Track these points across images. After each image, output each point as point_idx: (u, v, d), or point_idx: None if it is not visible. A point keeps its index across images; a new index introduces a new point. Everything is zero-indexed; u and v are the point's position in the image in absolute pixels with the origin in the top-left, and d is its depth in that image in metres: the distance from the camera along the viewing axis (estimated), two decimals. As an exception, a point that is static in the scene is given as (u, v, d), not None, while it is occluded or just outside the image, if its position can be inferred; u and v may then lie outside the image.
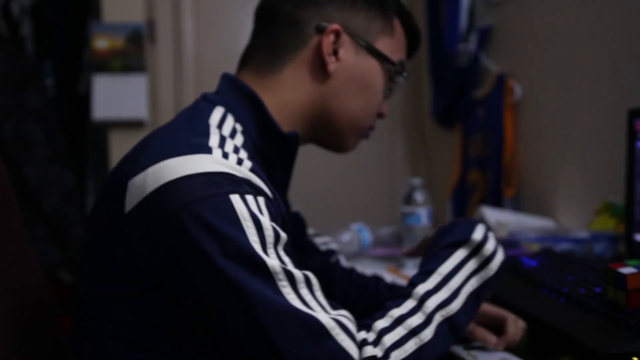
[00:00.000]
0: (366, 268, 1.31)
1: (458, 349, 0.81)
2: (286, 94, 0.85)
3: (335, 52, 0.85)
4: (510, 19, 1.88)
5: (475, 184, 2.02)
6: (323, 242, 1.14)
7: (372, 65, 0.88)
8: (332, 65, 0.85)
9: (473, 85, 2.05)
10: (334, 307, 0.70)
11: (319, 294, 0.70)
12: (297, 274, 0.68)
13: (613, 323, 0.78)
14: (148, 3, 2.33)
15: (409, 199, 1.29)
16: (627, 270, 0.80)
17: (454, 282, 0.74)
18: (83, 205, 2.25)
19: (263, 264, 0.66)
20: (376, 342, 0.69)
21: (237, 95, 0.82)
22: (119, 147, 2.23)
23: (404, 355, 0.69)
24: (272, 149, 0.82)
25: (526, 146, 1.81)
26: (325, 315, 0.67)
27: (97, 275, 0.75)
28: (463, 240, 0.77)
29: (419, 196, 1.29)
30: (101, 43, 2.23)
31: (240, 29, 2.58)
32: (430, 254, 0.78)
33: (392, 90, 0.93)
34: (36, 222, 2.09)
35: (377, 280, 1.09)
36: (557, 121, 1.66)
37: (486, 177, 1.94)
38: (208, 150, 0.71)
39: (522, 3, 1.81)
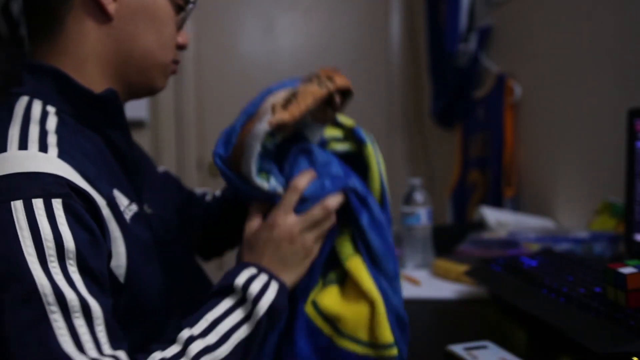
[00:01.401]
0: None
1: (458, 349, 0.81)
2: (79, 50, 0.79)
3: None
4: (510, 19, 1.88)
5: (475, 184, 2.03)
6: (202, 191, 1.14)
7: None
8: (110, 6, 0.79)
9: (473, 85, 2.05)
10: (115, 346, 0.63)
11: (100, 328, 0.63)
12: (73, 300, 0.61)
13: (613, 323, 0.78)
14: (148, 3, 2.33)
15: (408, 199, 1.29)
16: (627, 270, 0.80)
17: (221, 327, 0.70)
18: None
19: (32, 284, 0.59)
20: None
21: (37, 78, 0.78)
22: (119, 147, 2.23)
23: None
24: (94, 115, 0.78)
25: (526, 146, 1.81)
26: (97, 355, 0.61)
27: None
28: (228, 286, 0.73)
29: (418, 196, 1.28)
30: (101, 43, 2.23)
31: (240, 29, 2.59)
32: (207, 297, 0.74)
33: (185, 19, 0.89)
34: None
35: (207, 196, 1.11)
36: (557, 121, 1.66)
37: (486, 177, 1.94)
38: (2, 148, 0.68)
39: (522, 3, 1.81)
